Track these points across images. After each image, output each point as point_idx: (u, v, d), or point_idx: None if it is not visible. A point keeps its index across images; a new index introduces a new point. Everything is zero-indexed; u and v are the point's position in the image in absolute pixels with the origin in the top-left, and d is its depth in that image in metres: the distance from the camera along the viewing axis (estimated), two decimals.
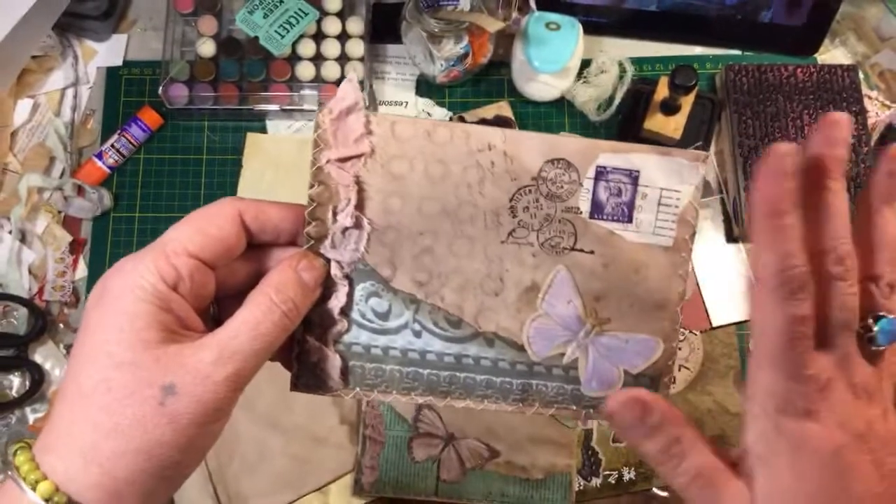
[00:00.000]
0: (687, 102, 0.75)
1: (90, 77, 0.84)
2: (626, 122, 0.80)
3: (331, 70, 0.80)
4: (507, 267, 0.40)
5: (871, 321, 0.34)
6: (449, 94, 0.83)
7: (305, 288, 0.38)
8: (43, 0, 0.75)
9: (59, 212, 0.79)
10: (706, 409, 0.74)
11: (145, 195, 0.80)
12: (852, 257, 0.33)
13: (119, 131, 0.80)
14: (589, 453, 0.73)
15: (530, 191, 0.40)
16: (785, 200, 0.32)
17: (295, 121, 0.82)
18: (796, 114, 0.78)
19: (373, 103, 0.82)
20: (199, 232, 0.37)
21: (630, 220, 0.40)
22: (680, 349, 0.75)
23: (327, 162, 0.39)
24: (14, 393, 0.75)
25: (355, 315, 0.40)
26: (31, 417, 0.75)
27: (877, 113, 0.80)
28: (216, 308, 0.40)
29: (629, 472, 0.73)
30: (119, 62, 0.84)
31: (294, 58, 0.80)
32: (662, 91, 0.75)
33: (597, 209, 0.40)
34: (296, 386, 0.41)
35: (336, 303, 0.40)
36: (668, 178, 0.40)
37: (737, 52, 0.84)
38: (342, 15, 0.81)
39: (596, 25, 0.83)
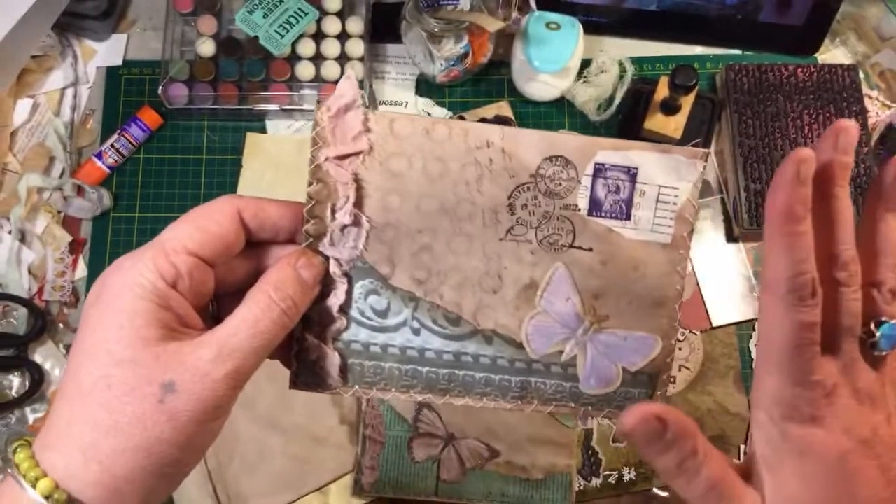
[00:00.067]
0: (687, 102, 0.75)
1: (90, 77, 0.84)
2: (626, 122, 0.80)
3: (331, 70, 0.80)
4: (505, 264, 0.40)
5: (873, 326, 0.34)
6: (449, 94, 0.83)
7: (304, 286, 0.38)
8: (42, 0, 0.75)
9: (59, 212, 0.79)
10: (706, 409, 0.74)
11: (145, 195, 0.80)
12: (856, 263, 0.34)
13: (119, 131, 0.80)
14: (589, 453, 0.73)
15: (529, 188, 0.40)
16: (800, 207, 0.32)
17: (295, 120, 0.82)
18: (796, 114, 0.78)
19: (373, 103, 0.82)
20: (198, 229, 0.37)
21: (628, 218, 0.40)
22: (680, 349, 0.75)
23: (326, 159, 0.39)
24: (14, 393, 0.75)
25: (354, 313, 0.40)
26: (31, 417, 0.75)
27: (877, 113, 0.80)
28: (215, 306, 0.40)
29: (629, 472, 0.73)
30: (119, 62, 0.84)
31: (294, 57, 0.80)
32: (662, 91, 0.75)
33: (595, 206, 0.40)
34: (295, 384, 0.41)
35: (335, 300, 0.40)
36: (667, 175, 0.40)
37: (737, 51, 0.84)
38: (342, 14, 0.81)
39: (596, 25, 0.83)
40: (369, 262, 0.40)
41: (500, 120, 0.81)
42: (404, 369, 0.41)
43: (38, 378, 0.74)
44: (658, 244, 0.40)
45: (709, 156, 0.40)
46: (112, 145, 0.79)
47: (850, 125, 0.34)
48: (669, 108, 0.75)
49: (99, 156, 0.79)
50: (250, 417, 0.72)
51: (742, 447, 0.73)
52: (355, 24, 0.81)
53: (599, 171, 0.40)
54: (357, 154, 0.39)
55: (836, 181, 0.34)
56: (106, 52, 0.84)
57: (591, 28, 0.81)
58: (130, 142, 0.80)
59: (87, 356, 0.34)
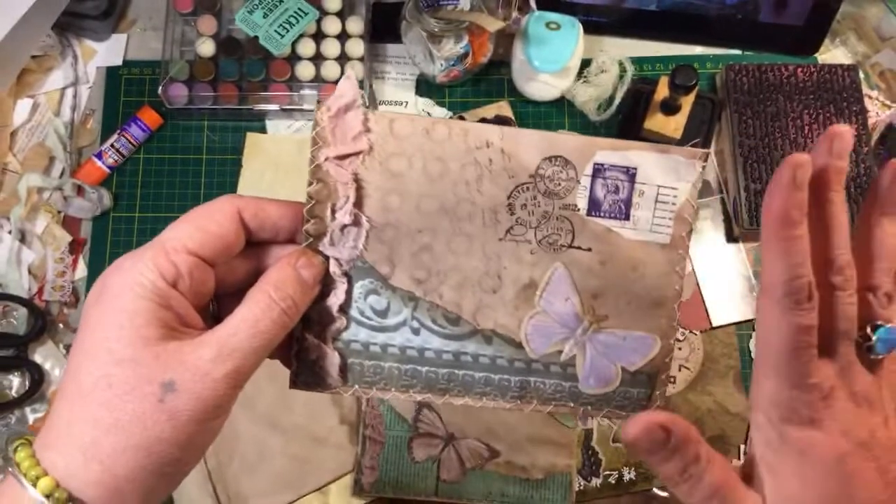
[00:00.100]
0: (687, 102, 0.75)
1: (90, 77, 0.84)
2: (626, 122, 0.80)
3: (330, 70, 0.80)
4: (505, 264, 0.40)
5: (869, 330, 0.34)
6: (449, 94, 0.83)
7: (304, 285, 0.38)
8: (42, 0, 0.75)
9: (59, 212, 0.79)
10: (706, 409, 0.74)
11: (145, 195, 0.80)
12: (852, 267, 0.34)
13: (119, 131, 0.80)
14: (589, 453, 0.73)
15: (528, 188, 0.40)
16: (796, 211, 0.33)
17: (295, 120, 0.82)
18: (796, 114, 0.78)
19: (373, 103, 0.82)
20: (198, 229, 0.37)
21: (627, 218, 0.40)
22: (680, 349, 0.75)
23: (326, 159, 0.39)
24: (14, 393, 0.75)
25: (354, 312, 0.40)
26: (31, 417, 0.75)
27: (877, 113, 0.80)
28: (215, 306, 0.40)
29: (629, 472, 0.73)
30: (119, 62, 0.84)
31: (294, 57, 0.80)
32: (662, 91, 0.75)
33: (594, 206, 0.40)
34: (295, 383, 0.41)
35: (335, 300, 0.40)
36: (666, 175, 0.40)
37: (737, 51, 0.84)
38: (342, 14, 0.81)
39: (596, 25, 0.83)
40: (369, 261, 0.40)
41: (500, 120, 0.81)
42: (404, 369, 0.41)
43: (38, 378, 0.74)
44: (657, 244, 0.40)
45: (708, 156, 0.40)
46: (112, 145, 0.79)
47: (844, 130, 0.34)
48: (669, 108, 0.75)
49: (99, 156, 0.79)
50: (250, 417, 0.73)
51: (742, 447, 0.73)
52: (355, 24, 0.81)
53: (598, 171, 0.40)
54: (357, 154, 0.39)
55: (831, 186, 0.34)
56: (106, 52, 0.84)
57: (591, 28, 0.81)
58: (130, 142, 0.80)
59: (87, 356, 0.34)
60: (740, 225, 0.76)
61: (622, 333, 0.41)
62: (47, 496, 0.32)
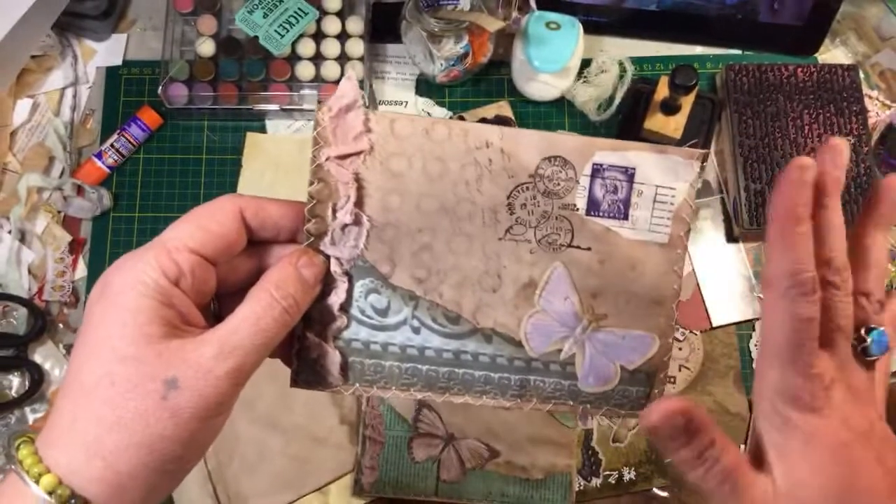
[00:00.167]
0: (687, 102, 0.75)
1: (90, 77, 0.84)
2: (626, 122, 0.80)
3: (330, 70, 0.80)
4: (504, 264, 0.40)
5: (864, 333, 0.37)
6: (449, 94, 0.83)
7: (305, 284, 0.38)
8: (42, 0, 0.75)
9: (59, 212, 0.79)
10: (706, 409, 0.74)
11: (145, 195, 0.80)
12: (847, 270, 0.36)
13: (118, 131, 0.80)
14: (589, 453, 0.73)
15: (528, 188, 0.40)
16: (802, 209, 0.35)
17: (295, 120, 0.82)
18: (797, 113, 0.78)
19: (373, 103, 0.82)
20: (199, 228, 0.37)
21: (626, 217, 0.40)
22: (680, 349, 0.75)
23: (327, 159, 0.39)
24: (14, 393, 0.75)
25: (355, 311, 0.41)
26: (31, 417, 0.75)
27: (877, 113, 0.81)
28: (217, 304, 0.40)
29: (629, 472, 0.73)
30: (118, 62, 0.84)
31: (294, 57, 0.81)
32: (662, 91, 0.75)
33: (593, 206, 0.40)
34: (296, 382, 0.41)
35: (336, 299, 0.40)
36: (664, 175, 0.40)
37: (737, 51, 0.85)
38: (342, 14, 0.81)
39: (596, 25, 0.83)
40: (370, 260, 0.40)
41: (500, 120, 0.81)
42: (404, 367, 0.41)
43: (37, 378, 0.74)
44: (655, 244, 0.40)
45: (706, 156, 0.40)
46: (112, 145, 0.79)
47: (841, 144, 0.37)
48: (669, 108, 0.75)
49: (99, 156, 0.79)
50: (250, 417, 0.73)
51: (742, 447, 0.73)
52: (355, 24, 0.81)
53: (597, 171, 0.40)
54: (358, 154, 0.39)
55: (829, 193, 0.36)
56: (106, 52, 0.84)
57: (591, 28, 0.81)
58: (130, 142, 0.80)
59: (89, 353, 0.34)
60: (740, 225, 0.76)
61: (621, 332, 0.41)
62: (50, 493, 0.32)
